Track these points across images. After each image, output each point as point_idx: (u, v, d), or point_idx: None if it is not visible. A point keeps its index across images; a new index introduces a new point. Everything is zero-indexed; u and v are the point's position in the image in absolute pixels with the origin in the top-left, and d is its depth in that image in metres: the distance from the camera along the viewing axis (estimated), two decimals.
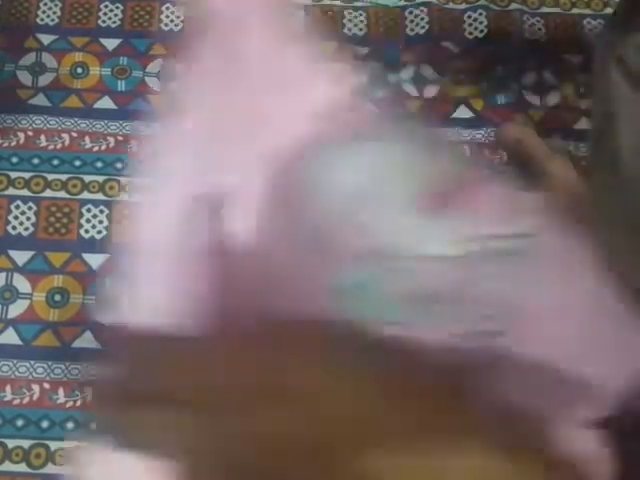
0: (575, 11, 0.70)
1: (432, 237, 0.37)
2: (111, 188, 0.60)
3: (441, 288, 0.38)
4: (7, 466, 0.54)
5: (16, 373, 0.56)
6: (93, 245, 0.60)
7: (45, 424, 0.55)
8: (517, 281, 0.39)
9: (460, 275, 0.36)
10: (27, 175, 0.61)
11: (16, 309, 0.58)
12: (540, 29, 0.68)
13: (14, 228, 0.60)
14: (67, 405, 0.56)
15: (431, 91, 0.65)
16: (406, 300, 0.36)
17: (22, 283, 0.59)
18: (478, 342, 0.37)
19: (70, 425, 0.55)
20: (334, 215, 0.36)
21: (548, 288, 0.42)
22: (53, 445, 0.55)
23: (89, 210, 0.61)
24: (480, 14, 0.68)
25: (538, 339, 0.37)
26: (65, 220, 0.61)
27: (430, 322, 0.36)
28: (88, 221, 0.61)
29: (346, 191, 0.36)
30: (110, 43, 0.66)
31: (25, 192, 0.61)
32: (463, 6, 0.69)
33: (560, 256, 0.43)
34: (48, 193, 0.62)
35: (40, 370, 0.56)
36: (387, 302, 0.37)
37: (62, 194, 0.62)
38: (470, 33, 0.68)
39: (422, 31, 0.68)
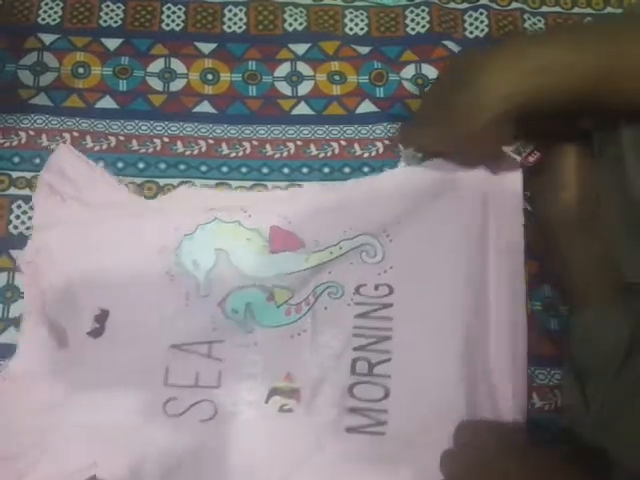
0: (576, 10, 0.70)
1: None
2: None
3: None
4: None
5: None
6: None
7: None
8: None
9: None
10: (29, 175, 0.61)
11: (18, 309, 0.58)
12: (541, 28, 0.68)
13: (15, 228, 0.60)
14: None
15: None
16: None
17: None
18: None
19: None
20: None
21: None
22: None
23: None
24: (481, 13, 0.69)
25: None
26: None
27: None
28: None
29: None
30: (111, 43, 0.66)
31: (27, 192, 0.60)
32: (464, 5, 0.69)
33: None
34: None
35: None
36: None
37: None
38: (471, 32, 0.68)
39: (423, 30, 0.68)
